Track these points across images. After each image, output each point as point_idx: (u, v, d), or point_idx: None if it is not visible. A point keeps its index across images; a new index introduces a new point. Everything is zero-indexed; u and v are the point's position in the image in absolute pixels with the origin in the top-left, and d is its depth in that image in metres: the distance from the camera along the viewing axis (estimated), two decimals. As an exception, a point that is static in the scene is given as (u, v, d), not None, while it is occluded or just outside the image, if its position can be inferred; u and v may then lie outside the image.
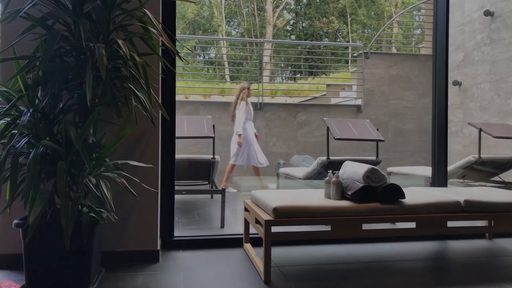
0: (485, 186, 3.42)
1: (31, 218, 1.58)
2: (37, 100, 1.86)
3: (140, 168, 2.32)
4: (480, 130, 4.18)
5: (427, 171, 4.06)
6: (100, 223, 1.92)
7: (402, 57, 7.67)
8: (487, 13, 5.87)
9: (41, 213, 1.61)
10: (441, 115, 3.22)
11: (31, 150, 1.73)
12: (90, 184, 1.83)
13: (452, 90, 6.48)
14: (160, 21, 2.42)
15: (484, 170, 4.19)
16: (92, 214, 1.88)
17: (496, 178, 4.38)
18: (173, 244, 2.63)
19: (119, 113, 2.01)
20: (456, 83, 6.47)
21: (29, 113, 1.78)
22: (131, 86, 1.94)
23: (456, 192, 2.59)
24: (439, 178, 3.22)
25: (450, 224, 2.33)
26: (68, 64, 1.93)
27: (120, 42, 1.80)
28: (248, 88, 5.85)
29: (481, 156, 3.98)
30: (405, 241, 2.86)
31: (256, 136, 5.85)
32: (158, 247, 2.42)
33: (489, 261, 2.46)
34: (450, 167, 3.94)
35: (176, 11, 2.63)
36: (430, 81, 3.34)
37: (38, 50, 1.92)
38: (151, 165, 2.33)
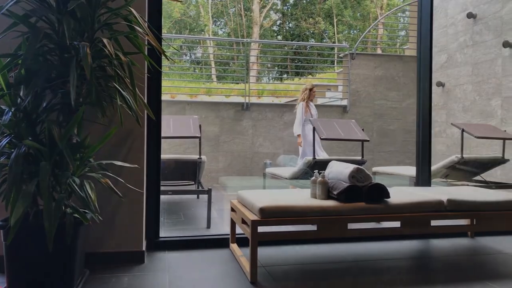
0: (468, 185, 3.49)
1: (13, 220, 1.55)
2: (19, 99, 1.82)
3: (125, 168, 2.30)
4: (463, 130, 4.26)
5: (411, 170, 4.12)
6: (84, 224, 1.90)
7: (387, 58, 7.76)
8: (470, 16, 5.98)
9: (23, 214, 1.58)
10: (425, 115, 3.27)
11: (12, 150, 1.70)
12: (74, 185, 1.80)
13: (435, 91, 6.58)
14: (146, 20, 2.40)
15: (466, 169, 4.27)
16: (76, 215, 1.85)
17: (478, 178, 4.47)
18: (158, 244, 2.61)
19: (104, 112, 1.99)
20: (440, 84, 6.57)
21: (10, 112, 1.75)
22: (116, 85, 1.92)
23: (439, 192, 2.64)
24: (423, 177, 3.27)
25: (434, 223, 2.36)
26: (51, 63, 1.90)
27: (105, 40, 1.78)
28: (310, 90, 5.75)
29: (464, 156, 4.05)
30: (389, 240, 2.90)
31: None
32: (144, 248, 2.39)
33: (471, 259, 2.50)
34: (433, 167, 4.00)
35: (163, 10, 2.61)
36: (415, 82, 3.39)
37: (20, 48, 1.88)
38: (136, 165, 2.31)
